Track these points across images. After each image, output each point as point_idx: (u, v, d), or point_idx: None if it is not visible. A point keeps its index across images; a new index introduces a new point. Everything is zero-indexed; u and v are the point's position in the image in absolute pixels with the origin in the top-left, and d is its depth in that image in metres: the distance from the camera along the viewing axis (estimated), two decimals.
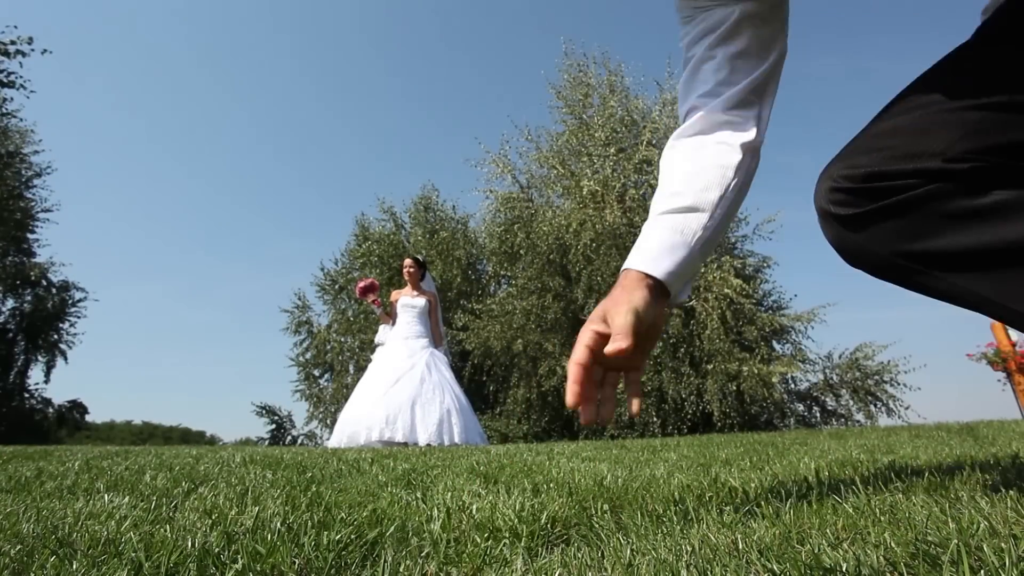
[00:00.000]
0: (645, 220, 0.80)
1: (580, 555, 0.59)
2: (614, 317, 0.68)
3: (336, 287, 15.03)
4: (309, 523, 0.73)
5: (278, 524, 0.72)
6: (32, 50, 12.77)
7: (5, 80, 13.17)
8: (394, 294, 5.19)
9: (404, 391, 4.36)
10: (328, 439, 4.85)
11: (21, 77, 13.35)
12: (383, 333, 5.17)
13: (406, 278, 5.19)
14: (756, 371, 9.46)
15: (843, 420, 10.34)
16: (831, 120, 44.28)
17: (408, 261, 5.26)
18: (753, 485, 0.98)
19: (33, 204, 16.90)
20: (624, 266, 0.76)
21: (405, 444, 4.05)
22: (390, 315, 5.08)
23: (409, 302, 5.02)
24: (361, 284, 5.20)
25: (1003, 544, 0.49)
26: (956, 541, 0.49)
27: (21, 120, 16.07)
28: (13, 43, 12.57)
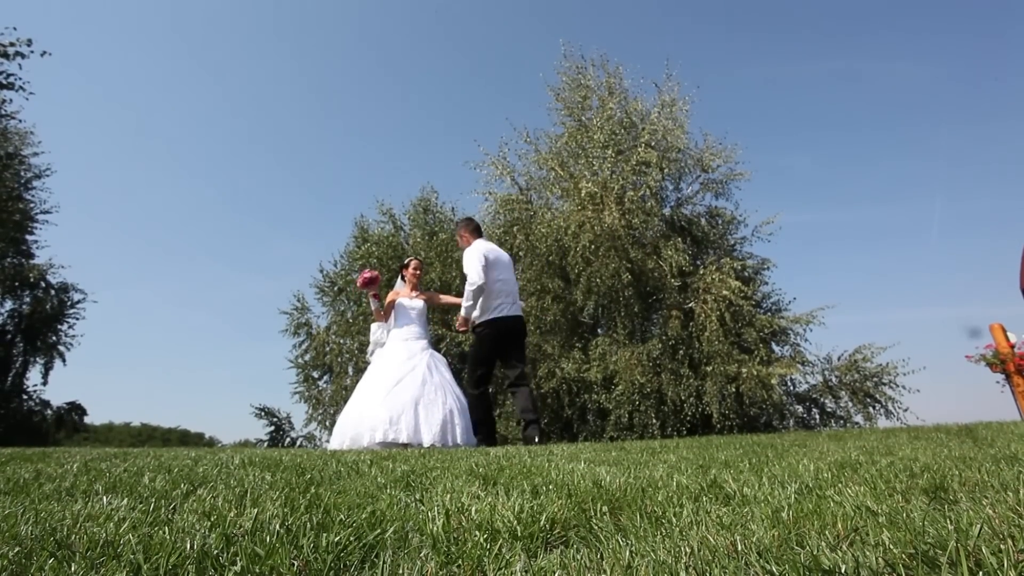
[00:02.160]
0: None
1: (579, 556, 0.59)
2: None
3: (335, 289, 15.01)
4: (308, 525, 0.73)
5: (277, 526, 0.72)
6: (31, 52, 12.75)
7: (4, 82, 13.15)
8: (391, 294, 5.17)
9: (406, 392, 4.35)
10: (327, 441, 4.84)
11: (20, 79, 13.33)
12: (376, 331, 5.15)
13: (411, 279, 5.17)
14: (755, 373, 9.47)
15: (842, 422, 10.34)
16: (828, 123, 44.39)
17: (416, 262, 5.25)
18: (752, 487, 0.98)
19: (32, 206, 16.89)
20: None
21: (407, 445, 4.05)
22: (385, 314, 5.07)
23: (408, 303, 5.01)
24: (366, 274, 5.11)
25: (1002, 545, 0.49)
26: (955, 542, 0.49)
27: (20, 122, 16.02)
28: (12, 45, 12.56)
